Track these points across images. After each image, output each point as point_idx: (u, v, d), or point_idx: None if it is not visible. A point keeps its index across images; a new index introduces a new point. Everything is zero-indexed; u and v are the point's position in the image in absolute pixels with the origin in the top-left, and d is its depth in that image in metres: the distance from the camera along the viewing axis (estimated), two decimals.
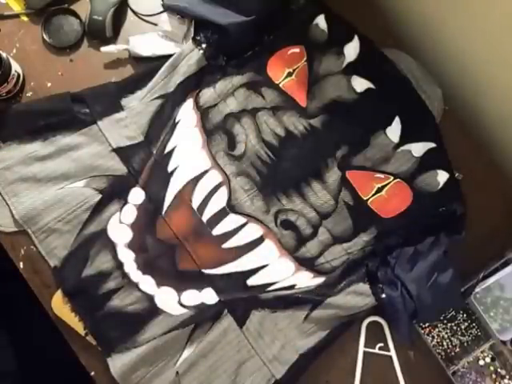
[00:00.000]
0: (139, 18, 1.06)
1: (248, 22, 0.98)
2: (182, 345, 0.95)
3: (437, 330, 1.00)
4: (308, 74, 1.01)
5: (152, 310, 0.95)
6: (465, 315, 1.01)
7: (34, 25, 1.03)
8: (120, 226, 0.97)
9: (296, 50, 1.02)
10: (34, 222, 0.95)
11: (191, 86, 1.01)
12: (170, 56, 1.01)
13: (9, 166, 0.96)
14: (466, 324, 1.01)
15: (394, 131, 1.00)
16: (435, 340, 1.00)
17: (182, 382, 0.94)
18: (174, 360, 0.94)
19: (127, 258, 0.96)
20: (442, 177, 1.00)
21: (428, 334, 1.00)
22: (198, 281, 0.97)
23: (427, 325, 1.00)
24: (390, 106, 1.01)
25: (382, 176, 1.00)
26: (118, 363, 0.93)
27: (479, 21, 0.91)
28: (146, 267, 0.96)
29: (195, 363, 0.95)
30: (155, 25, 1.05)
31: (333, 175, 0.99)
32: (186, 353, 0.95)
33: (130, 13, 1.07)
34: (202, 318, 0.96)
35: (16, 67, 0.98)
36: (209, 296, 0.97)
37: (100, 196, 0.97)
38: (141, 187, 0.98)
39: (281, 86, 1.01)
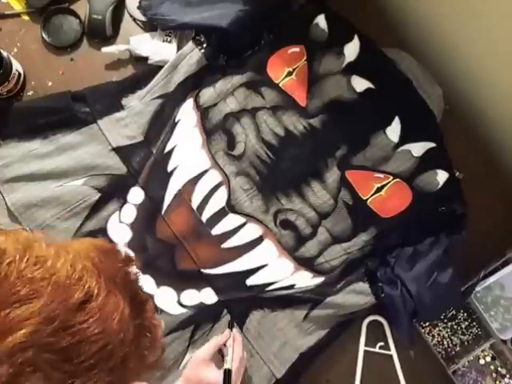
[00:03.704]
0: (136, 23, 1.06)
1: (246, 16, 0.98)
2: (184, 348, 0.95)
3: (437, 329, 1.00)
4: (308, 74, 1.02)
5: None
6: (465, 314, 1.01)
7: (35, 24, 1.03)
8: (119, 225, 0.97)
9: (296, 49, 1.02)
10: (32, 218, 0.95)
11: (191, 85, 1.01)
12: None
13: (8, 163, 0.96)
14: (467, 323, 1.01)
15: (393, 131, 1.00)
16: (436, 339, 1.00)
17: None
18: (177, 363, 0.94)
19: None
20: (442, 177, 1.00)
21: (428, 333, 1.00)
22: (198, 280, 0.97)
23: (427, 324, 1.00)
24: (390, 106, 1.02)
25: (381, 176, 1.00)
26: None
27: (480, 20, 0.91)
28: (145, 267, 0.96)
29: None
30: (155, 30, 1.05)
31: (332, 175, 0.99)
32: (188, 355, 0.95)
33: None
34: (202, 318, 0.96)
35: (17, 66, 0.98)
36: (208, 296, 0.97)
37: (99, 195, 0.97)
38: (140, 187, 0.98)
39: (280, 85, 1.01)
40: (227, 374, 0.84)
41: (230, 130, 1.00)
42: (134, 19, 1.06)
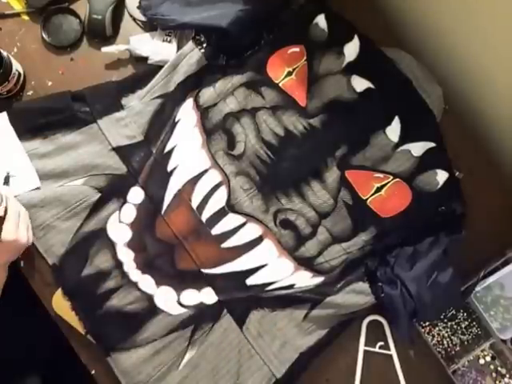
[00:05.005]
0: (136, 23, 1.06)
1: (246, 16, 0.98)
2: (184, 347, 0.95)
3: (437, 328, 1.00)
4: (308, 74, 1.01)
5: (151, 310, 0.95)
6: (465, 314, 1.01)
7: (35, 24, 1.04)
8: (119, 225, 0.97)
9: (296, 49, 1.02)
10: (32, 219, 0.94)
11: (191, 85, 1.01)
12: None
13: None
14: (467, 323, 1.01)
15: (393, 131, 1.00)
16: (435, 339, 1.00)
17: None
18: (177, 363, 0.94)
19: (126, 257, 0.96)
20: (442, 176, 1.00)
21: (428, 333, 1.00)
22: (197, 280, 0.97)
23: (427, 324, 1.00)
24: (390, 106, 1.01)
25: (381, 175, 1.00)
26: (118, 363, 0.93)
27: (480, 19, 0.92)
28: (145, 266, 0.96)
29: (198, 365, 0.94)
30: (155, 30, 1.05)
31: (332, 175, 0.99)
32: (188, 355, 0.94)
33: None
34: (202, 318, 0.96)
35: (17, 66, 0.98)
36: (208, 296, 0.96)
37: (99, 195, 0.97)
38: (140, 187, 0.98)
39: (280, 85, 1.01)
40: None
41: (229, 129, 1.00)
42: (134, 19, 1.06)
